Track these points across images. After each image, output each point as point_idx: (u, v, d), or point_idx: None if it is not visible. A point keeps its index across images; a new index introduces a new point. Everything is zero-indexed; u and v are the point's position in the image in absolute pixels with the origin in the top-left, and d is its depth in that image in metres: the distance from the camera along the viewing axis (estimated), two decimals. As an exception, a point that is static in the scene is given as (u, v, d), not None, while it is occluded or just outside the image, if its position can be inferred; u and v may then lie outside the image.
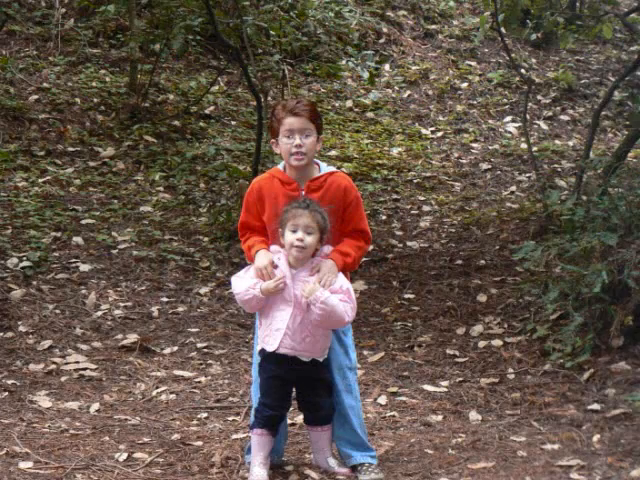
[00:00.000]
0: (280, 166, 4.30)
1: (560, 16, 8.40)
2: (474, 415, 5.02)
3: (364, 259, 6.98)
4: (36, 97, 9.33)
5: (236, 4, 8.44)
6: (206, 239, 7.54)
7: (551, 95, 10.97)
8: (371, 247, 7.15)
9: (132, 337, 6.09)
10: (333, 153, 9.42)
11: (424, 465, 4.37)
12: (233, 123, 9.82)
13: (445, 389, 5.42)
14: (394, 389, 5.44)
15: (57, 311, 6.34)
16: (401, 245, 7.71)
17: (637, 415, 4.72)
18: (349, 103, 10.59)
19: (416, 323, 6.39)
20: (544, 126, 10.42)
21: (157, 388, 5.49)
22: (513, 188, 8.96)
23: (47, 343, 5.94)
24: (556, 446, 4.51)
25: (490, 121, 10.51)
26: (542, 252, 5.99)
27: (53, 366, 5.69)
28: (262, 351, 4.21)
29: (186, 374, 5.68)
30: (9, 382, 5.44)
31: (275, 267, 4.14)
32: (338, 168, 4.58)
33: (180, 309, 6.57)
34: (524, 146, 9.40)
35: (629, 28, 9.66)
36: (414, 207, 8.54)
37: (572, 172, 8.87)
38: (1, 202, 7.72)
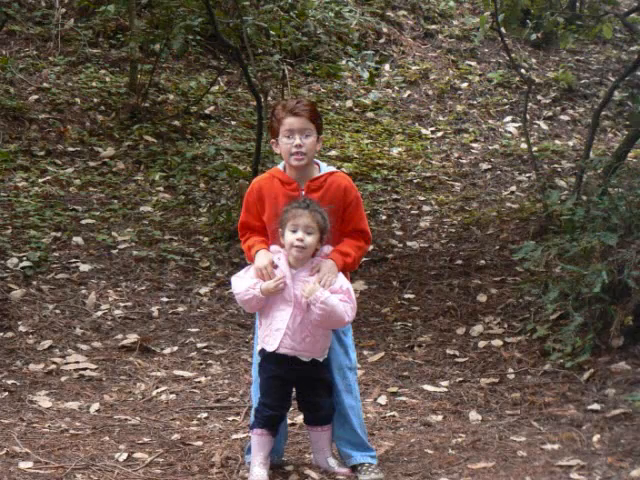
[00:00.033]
0: (280, 166, 4.30)
1: (560, 16, 8.40)
2: (474, 415, 5.02)
3: (364, 259, 6.98)
4: (36, 97, 9.33)
5: (236, 4, 8.44)
6: (206, 239, 7.54)
7: (551, 95, 10.97)
8: (371, 247, 7.15)
9: (132, 337, 6.09)
10: (333, 153, 9.42)
11: (424, 465, 4.37)
12: (233, 123, 9.82)
13: (445, 389, 5.42)
14: (394, 389, 5.44)
15: (57, 311, 6.34)
16: (401, 245, 7.71)
17: (637, 415, 4.72)
18: (349, 103, 10.59)
19: (416, 323, 6.39)
20: (544, 126, 10.42)
21: (157, 388, 5.49)
22: (513, 188, 8.96)
23: (47, 343, 5.95)
24: (556, 446, 4.51)
25: (490, 121, 10.51)
26: (542, 252, 5.99)
27: (53, 366, 5.69)
28: (262, 351, 4.21)
29: (186, 374, 5.68)
30: (9, 382, 5.44)
31: (275, 267, 4.14)
32: (338, 168, 4.58)
33: (180, 309, 6.57)
34: (524, 146, 9.40)
35: (629, 28, 9.66)
36: (414, 207, 8.54)
37: (572, 172, 8.87)
38: (1, 202, 7.72)
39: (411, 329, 6.32)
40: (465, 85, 11.11)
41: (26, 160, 8.49)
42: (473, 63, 11.55)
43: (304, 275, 4.13)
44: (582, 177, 7.29)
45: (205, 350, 6.03)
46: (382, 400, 5.28)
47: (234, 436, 4.77)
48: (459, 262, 7.27)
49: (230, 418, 5.08)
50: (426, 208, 8.51)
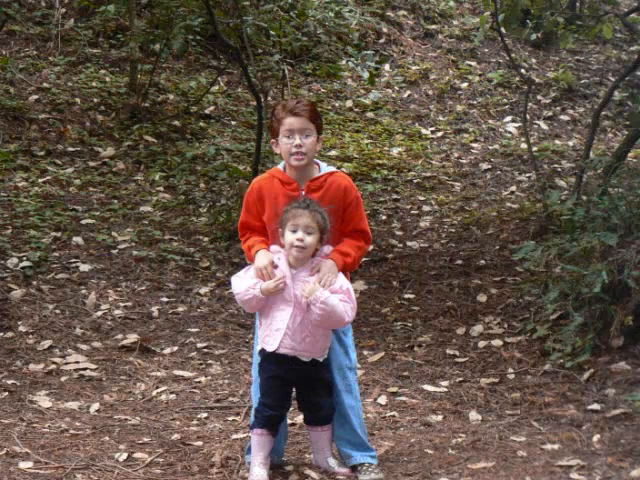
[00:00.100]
0: (280, 166, 4.30)
1: (560, 16, 8.40)
2: (474, 415, 5.02)
3: (364, 259, 6.98)
4: (36, 97, 9.33)
5: (236, 4, 8.44)
6: (206, 239, 7.54)
7: (551, 95, 10.97)
8: (371, 247, 7.15)
9: (132, 337, 6.09)
10: (333, 153, 9.42)
11: (424, 465, 4.37)
12: (233, 123, 9.82)
13: (445, 389, 5.42)
14: (394, 389, 5.44)
15: (57, 311, 6.34)
16: (401, 245, 7.71)
17: (637, 415, 4.72)
18: (349, 103, 10.59)
19: (416, 323, 6.39)
20: (544, 126, 10.42)
21: (157, 388, 5.48)
22: (513, 188, 8.96)
23: (47, 343, 5.94)
24: (556, 446, 4.51)
25: (490, 121, 10.51)
26: (542, 252, 5.99)
27: (53, 366, 5.69)
28: (262, 351, 4.21)
29: (186, 374, 5.68)
30: (9, 382, 5.44)
31: (275, 267, 4.14)
32: (338, 168, 4.58)
33: (180, 309, 6.57)
34: (524, 146, 9.40)
35: (629, 28, 9.66)
36: (414, 207, 8.54)
37: (572, 172, 8.87)
38: (1, 202, 7.72)
39: (411, 329, 6.32)
40: (465, 85, 11.11)
41: (26, 160, 8.49)
42: (473, 63, 11.55)
43: (304, 275, 4.13)
44: (582, 177, 7.29)
45: (205, 350, 6.03)
46: (382, 400, 5.28)
47: (234, 436, 4.77)
48: (459, 262, 7.27)
49: (230, 418, 5.08)
50: (426, 208, 8.51)
